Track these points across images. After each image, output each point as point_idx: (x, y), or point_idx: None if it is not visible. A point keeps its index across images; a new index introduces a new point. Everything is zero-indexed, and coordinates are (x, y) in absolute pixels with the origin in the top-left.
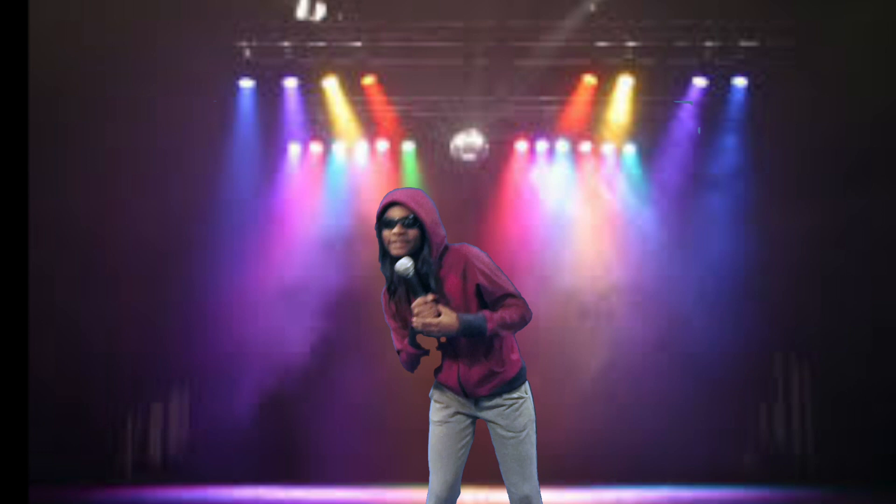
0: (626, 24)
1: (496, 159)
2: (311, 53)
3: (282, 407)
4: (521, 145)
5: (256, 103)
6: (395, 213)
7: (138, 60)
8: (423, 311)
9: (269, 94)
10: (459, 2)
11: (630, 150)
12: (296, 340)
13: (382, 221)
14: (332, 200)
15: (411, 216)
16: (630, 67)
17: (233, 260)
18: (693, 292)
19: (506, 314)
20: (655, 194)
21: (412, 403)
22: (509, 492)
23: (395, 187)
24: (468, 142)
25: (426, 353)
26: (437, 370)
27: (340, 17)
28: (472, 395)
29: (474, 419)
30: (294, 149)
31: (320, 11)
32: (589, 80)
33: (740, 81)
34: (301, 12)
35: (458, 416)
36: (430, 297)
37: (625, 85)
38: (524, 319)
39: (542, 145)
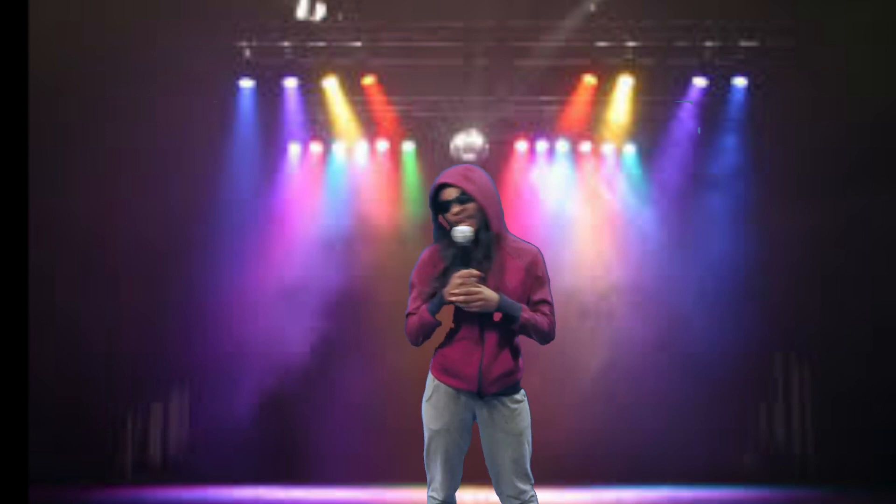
0: (626, 24)
1: (496, 159)
2: (311, 53)
3: (282, 407)
4: (521, 145)
5: (256, 103)
6: (449, 194)
7: (138, 60)
8: (467, 283)
9: (269, 94)
10: (459, 2)
11: (630, 150)
12: (296, 340)
13: (438, 206)
14: (332, 200)
15: (462, 192)
16: (630, 67)
17: (233, 260)
18: (693, 292)
19: (538, 317)
20: (655, 194)
21: (412, 403)
22: (502, 490)
23: (396, 187)
24: (468, 142)
25: (438, 324)
26: (441, 367)
27: (340, 17)
28: (484, 390)
29: (472, 422)
30: (294, 149)
31: (320, 11)
32: (589, 80)
33: (740, 81)
34: (301, 12)
35: (457, 423)
36: (477, 272)
37: (625, 85)
38: (549, 334)
39: (542, 145)
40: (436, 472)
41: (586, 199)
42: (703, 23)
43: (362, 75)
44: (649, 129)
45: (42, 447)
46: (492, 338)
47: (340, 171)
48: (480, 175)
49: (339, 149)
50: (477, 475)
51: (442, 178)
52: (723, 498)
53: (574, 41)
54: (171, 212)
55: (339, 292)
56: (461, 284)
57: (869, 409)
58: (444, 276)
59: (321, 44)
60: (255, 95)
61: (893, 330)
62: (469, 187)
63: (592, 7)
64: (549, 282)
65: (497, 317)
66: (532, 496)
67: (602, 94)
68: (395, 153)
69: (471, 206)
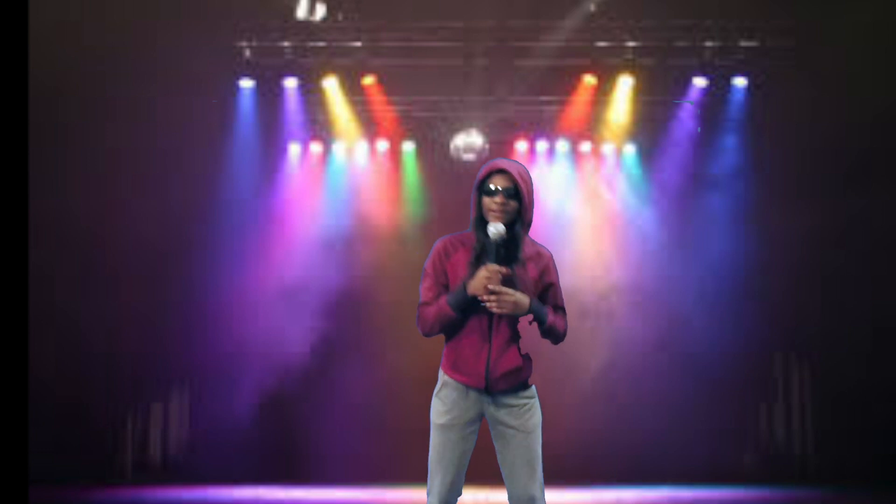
0: (626, 24)
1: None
2: (311, 53)
3: (282, 407)
4: (521, 145)
5: (256, 103)
6: (500, 182)
7: (138, 60)
8: (494, 278)
9: (269, 94)
10: (459, 2)
11: (630, 150)
12: (296, 340)
13: (484, 188)
14: (332, 200)
15: (513, 187)
16: (630, 67)
17: (233, 260)
18: (693, 292)
19: (559, 321)
20: (655, 194)
21: (412, 403)
22: (514, 493)
23: (396, 187)
24: (468, 142)
25: (457, 318)
26: (451, 362)
27: (340, 17)
28: (492, 387)
29: (479, 422)
30: (294, 149)
31: (320, 11)
32: (589, 80)
33: (740, 81)
34: (301, 12)
35: (464, 420)
36: (504, 269)
37: (625, 85)
38: (562, 336)
39: (542, 145)
40: (437, 470)
41: (586, 199)
42: (703, 23)
43: (362, 75)
44: (649, 129)
45: (42, 447)
46: (500, 334)
47: (340, 171)
48: (530, 178)
49: (339, 149)
50: (477, 475)
51: (501, 164)
52: (723, 498)
53: (574, 41)
54: (171, 212)
55: (339, 292)
56: (488, 278)
57: (869, 409)
58: (473, 265)
59: (321, 44)
60: (255, 95)
61: (893, 330)
62: (523, 187)
63: (592, 7)
64: (559, 284)
65: (527, 318)
66: None
67: (602, 94)
68: (395, 153)
69: (513, 203)
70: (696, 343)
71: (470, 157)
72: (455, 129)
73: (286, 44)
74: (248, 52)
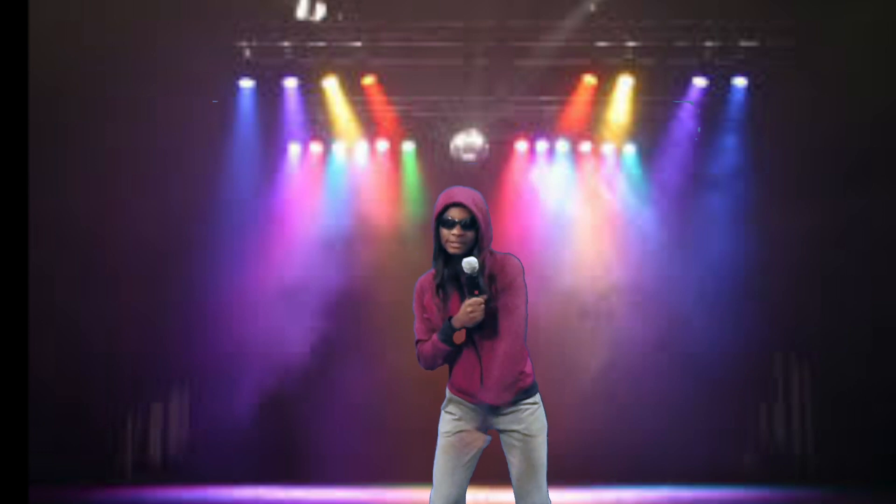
0: (626, 24)
1: (496, 159)
2: (311, 53)
3: (282, 407)
4: (521, 145)
5: (256, 103)
6: (456, 214)
7: (138, 60)
8: (477, 310)
9: (269, 94)
10: (459, 2)
11: (630, 150)
12: (296, 340)
13: (441, 220)
14: (332, 200)
15: (470, 218)
16: (630, 67)
17: (233, 260)
18: (693, 292)
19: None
20: (655, 194)
21: (412, 403)
22: (518, 497)
23: (396, 187)
24: (468, 142)
25: (455, 350)
26: (452, 380)
27: (340, 17)
28: (494, 402)
29: (483, 437)
30: (294, 149)
31: (320, 11)
32: (589, 80)
33: (740, 81)
34: (301, 12)
35: (469, 430)
36: (483, 297)
37: (625, 85)
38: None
39: (542, 145)
40: (439, 478)
41: (586, 199)
42: (703, 23)
43: (362, 75)
44: (649, 129)
45: (42, 447)
46: (487, 350)
47: (340, 171)
48: (485, 205)
49: (339, 149)
50: (478, 475)
51: (456, 197)
52: (723, 498)
53: (574, 41)
54: (171, 212)
55: (339, 292)
56: (472, 312)
57: (869, 409)
58: (449, 304)
59: (321, 44)
60: (255, 95)
61: (893, 330)
62: (479, 216)
63: (592, 7)
64: (524, 288)
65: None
66: None
67: (602, 94)
68: (395, 153)
69: (470, 233)
70: (696, 343)
71: (470, 157)
72: (455, 129)
73: (286, 44)
74: (248, 52)
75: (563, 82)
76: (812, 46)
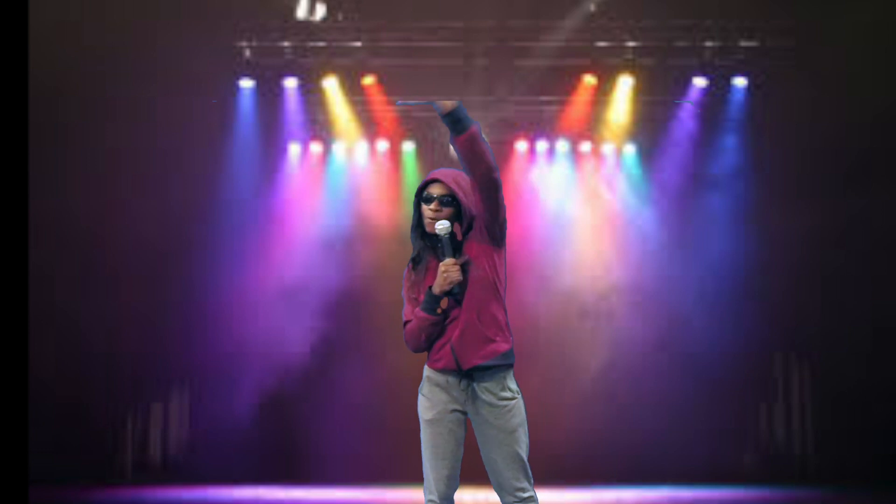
0: (626, 24)
1: (496, 159)
2: (311, 53)
3: (282, 407)
4: (521, 145)
5: (256, 103)
6: (435, 190)
7: (138, 60)
8: (451, 271)
9: (269, 94)
10: (459, 2)
11: (630, 150)
12: (296, 340)
13: (422, 197)
14: (332, 200)
15: (449, 196)
16: (630, 67)
17: (233, 260)
18: (693, 292)
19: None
20: (655, 194)
21: (412, 403)
22: (499, 486)
23: (396, 187)
24: None
25: (441, 317)
26: (429, 354)
27: (340, 17)
28: (466, 365)
29: (464, 414)
30: (294, 149)
31: (320, 11)
32: (589, 80)
33: (740, 81)
34: (301, 12)
35: (448, 412)
36: (459, 259)
37: (625, 85)
38: (491, 161)
39: (542, 145)
40: (428, 466)
41: (586, 199)
42: (703, 23)
43: (362, 75)
44: (649, 129)
45: (42, 447)
46: (465, 313)
47: (340, 171)
48: (467, 183)
49: (339, 149)
50: (477, 475)
51: (436, 174)
52: (723, 498)
53: (574, 41)
54: (171, 212)
55: (339, 292)
56: (445, 271)
57: (869, 409)
58: (430, 277)
59: (321, 44)
60: (255, 95)
61: (893, 330)
62: (458, 192)
63: (592, 7)
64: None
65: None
66: (531, 496)
67: (602, 94)
68: (395, 153)
69: (447, 210)
70: (696, 343)
71: None
72: None
73: (286, 44)
74: (248, 52)
75: (563, 82)
76: (812, 46)
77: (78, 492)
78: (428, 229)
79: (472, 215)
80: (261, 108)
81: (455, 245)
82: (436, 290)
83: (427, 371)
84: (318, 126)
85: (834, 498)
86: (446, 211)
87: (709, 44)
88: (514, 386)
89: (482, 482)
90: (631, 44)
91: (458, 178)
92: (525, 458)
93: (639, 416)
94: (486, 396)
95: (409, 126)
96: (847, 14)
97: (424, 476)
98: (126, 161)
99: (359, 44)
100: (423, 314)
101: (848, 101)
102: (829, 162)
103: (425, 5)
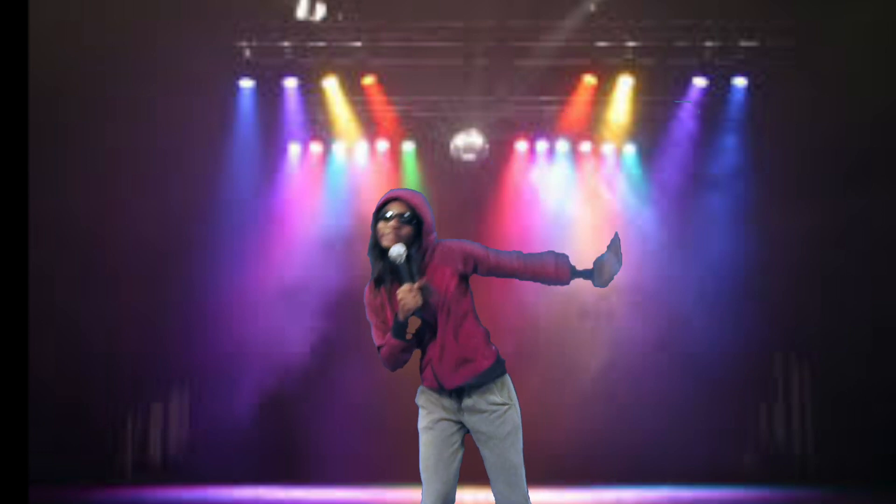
0: (626, 24)
1: (496, 159)
2: (311, 53)
3: (282, 407)
4: (521, 145)
5: (256, 103)
6: (394, 208)
7: (138, 60)
8: (408, 298)
9: (269, 94)
10: (459, 2)
11: (630, 150)
12: (296, 340)
13: (380, 215)
14: (332, 200)
15: (408, 213)
16: (630, 67)
17: (233, 260)
18: (693, 292)
19: (529, 260)
20: (655, 194)
21: (412, 403)
22: (496, 499)
23: (396, 187)
24: (468, 142)
25: (411, 344)
26: (420, 369)
27: (340, 17)
28: (448, 386)
29: (461, 425)
30: (294, 149)
31: (320, 11)
32: (589, 80)
33: (740, 81)
34: (301, 12)
35: (444, 422)
36: (416, 284)
37: (625, 85)
38: (554, 263)
39: (542, 145)
40: (425, 472)
41: (586, 199)
42: (703, 23)
43: (362, 75)
44: (649, 129)
45: (42, 447)
46: (442, 334)
47: (340, 171)
48: (426, 204)
49: (339, 149)
50: (478, 475)
51: (394, 194)
52: (723, 498)
53: (574, 41)
54: (171, 212)
55: (339, 292)
56: (402, 299)
57: (869, 409)
58: (393, 299)
59: (321, 44)
60: (255, 95)
61: (893, 330)
62: (418, 211)
63: (592, 7)
64: (478, 245)
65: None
66: None
67: (602, 94)
68: (395, 153)
69: (406, 228)
70: (696, 343)
71: (470, 157)
72: (455, 129)
73: (286, 44)
74: (248, 52)
75: (563, 82)
76: (812, 46)
77: (78, 492)
78: (384, 243)
79: (433, 238)
80: (261, 108)
81: (412, 267)
82: (399, 316)
83: (422, 385)
84: (318, 126)
85: (834, 498)
86: (406, 229)
87: (709, 44)
88: (506, 394)
89: (482, 482)
90: (631, 44)
91: (416, 199)
92: (519, 465)
93: (639, 416)
94: (475, 405)
95: (409, 126)
96: (847, 14)
97: (422, 487)
98: (126, 161)
99: (359, 44)
100: (394, 341)
101: (848, 101)
102: (829, 162)
103: (425, 5)
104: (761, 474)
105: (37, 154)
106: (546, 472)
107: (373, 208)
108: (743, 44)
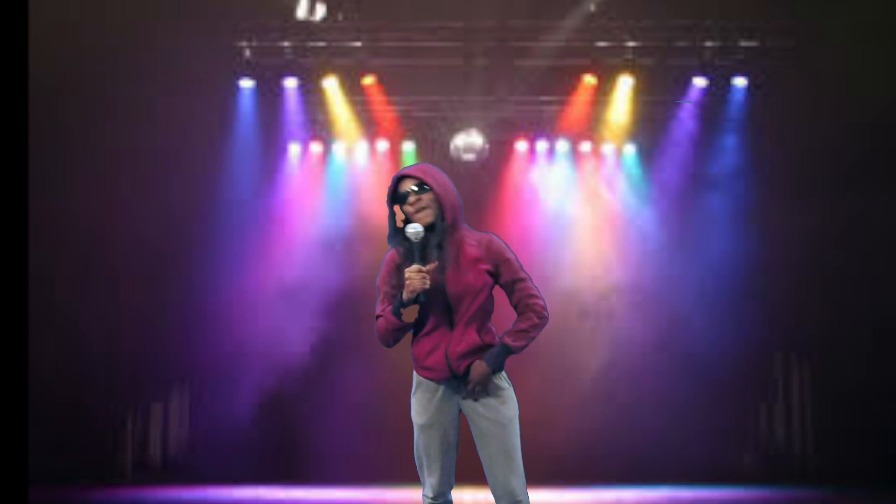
0: (626, 24)
1: (496, 159)
2: (311, 53)
3: (282, 407)
4: (521, 145)
5: (256, 103)
6: (405, 185)
7: (138, 60)
8: (416, 279)
9: (269, 94)
10: (459, 2)
11: (630, 150)
12: (296, 340)
13: (396, 198)
14: (332, 200)
15: (418, 183)
16: (630, 67)
17: (233, 260)
18: (693, 292)
19: (522, 327)
20: (655, 194)
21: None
22: (493, 485)
23: None
24: (468, 142)
25: (406, 327)
26: (418, 362)
27: (340, 17)
28: (456, 371)
29: (458, 413)
30: (294, 149)
31: (320, 11)
32: (589, 80)
33: (740, 81)
34: (301, 12)
35: (442, 418)
36: (428, 267)
37: (625, 85)
38: (543, 319)
39: (542, 145)
40: (425, 469)
41: (586, 199)
42: (703, 23)
43: (362, 75)
44: (649, 129)
45: (42, 447)
46: (459, 321)
47: (340, 171)
48: (438, 171)
49: (339, 149)
50: (477, 475)
51: (401, 172)
52: (723, 498)
53: (574, 41)
54: (171, 212)
55: (339, 292)
56: (409, 279)
57: (869, 409)
58: (401, 275)
59: (321, 44)
60: (255, 95)
61: (893, 330)
62: (427, 178)
63: (592, 7)
64: (516, 259)
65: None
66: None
67: (602, 94)
68: (395, 153)
69: (426, 196)
70: (696, 343)
71: (470, 157)
72: (455, 129)
73: (286, 44)
74: (248, 52)
75: (563, 82)
76: (812, 46)
77: (78, 492)
78: (415, 221)
79: (454, 200)
80: (261, 108)
81: (427, 248)
82: (404, 296)
83: (419, 378)
84: (318, 126)
85: (834, 498)
86: (426, 197)
87: (709, 44)
88: (506, 380)
89: (482, 482)
90: (631, 44)
91: (424, 168)
92: (518, 451)
93: (639, 416)
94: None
95: (409, 126)
96: (847, 14)
97: (420, 475)
98: (126, 161)
99: (359, 44)
100: (392, 318)
101: (848, 101)
102: (829, 162)
103: (425, 5)
104: (761, 474)
105: (37, 154)
106: (546, 472)
107: (373, 208)
108: (743, 44)
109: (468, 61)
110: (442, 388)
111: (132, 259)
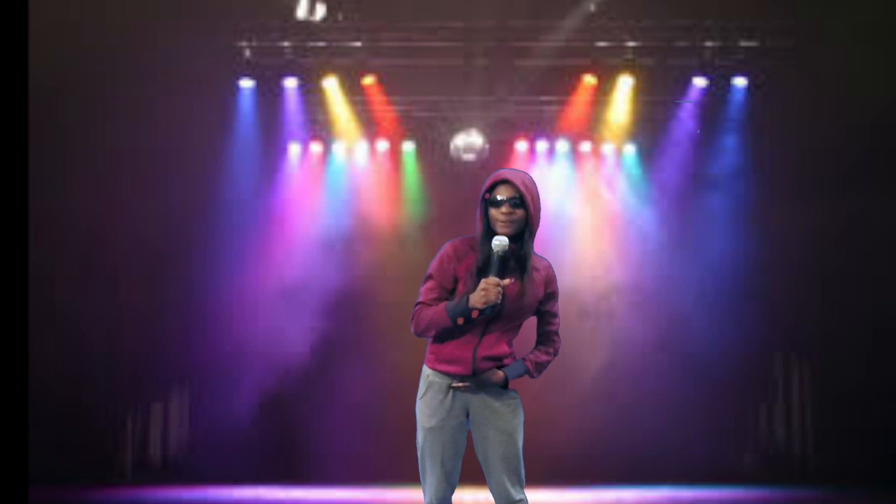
0: (626, 24)
1: (496, 159)
2: (311, 53)
3: (282, 407)
4: (521, 145)
5: (256, 103)
6: (504, 193)
7: (138, 60)
8: (492, 292)
9: (269, 94)
10: (459, 2)
11: (630, 150)
12: (296, 340)
13: (490, 200)
14: (332, 200)
15: (518, 197)
16: (630, 67)
17: (233, 260)
18: (693, 292)
19: (542, 357)
20: (655, 194)
21: (412, 403)
22: (494, 490)
23: (396, 187)
24: (468, 142)
25: (454, 329)
26: (437, 356)
27: (340, 17)
28: (478, 369)
29: (466, 416)
30: (294, 149)
31: (320, 11)
32: (589, 80)
33: (740, 81)
34: (301, 12)
35: (450, 420)
36: (505, 281)
37: (625, 85)
38: (555, 356)
39: (542, 145)
40: (430, 473)
41: (586, 199)
42: (703, 23)
43: (362, 75)
44: (649, 129)
45: (42, 447)
46: (496, 332)
47: (340, 171)
48: (535, 185)
49: (339, 149)
50: (477, 475)
51: (505, 175)
52: (723, 498)
53: (574, 41)
54: (171, 212)
55: (339, 292)
56: (485, 290)
57: (869, 409)
58: (477, 278)
59: (321, 44)
60: (255, 95)
61: (893, 330)
62: (527, 196)
63: (592, 7)
64: (558, 292)
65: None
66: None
67: (602, 94)
68: (395, 153)
69: (519, 212)
70: (696, 343)
71: (470, 157)
72: (455, 129)
73: (286, 44)
74: (248, 52)
75: (563, 82)
76: (812, 46)
77: (78, 492)
78: (498, 230)
79: (537, 224)
80: (261, 108)
81: (507, 263)
82: (472, 302)
83: (431, 374)
84: (318, 126)
85: (834, 498)
86: (518, 213)
87: (709, 44)
88: (515, 391)
89: (482, 482)
90: (631, 44)
91: (525, 181)
92: (521, 461)
93: (639, 416)
94: (491, 396)
95: (409, 126)
96: (847, 14)
97: (422, 479)
98: (126, 161)
99: (359, 44)
100: (445, 316)
101: (848, 101)
102: (829, 162)
103: (425, 5)
104: (761, 474)
105: (37, 154)
106: (546, 472)
107: (373, 208)
108: (743, 44)
109: (468, 61)
110: (456, 392)
111: (132, 259)
